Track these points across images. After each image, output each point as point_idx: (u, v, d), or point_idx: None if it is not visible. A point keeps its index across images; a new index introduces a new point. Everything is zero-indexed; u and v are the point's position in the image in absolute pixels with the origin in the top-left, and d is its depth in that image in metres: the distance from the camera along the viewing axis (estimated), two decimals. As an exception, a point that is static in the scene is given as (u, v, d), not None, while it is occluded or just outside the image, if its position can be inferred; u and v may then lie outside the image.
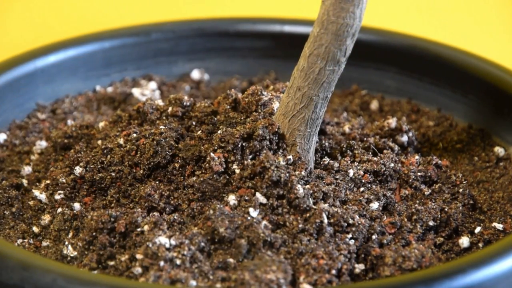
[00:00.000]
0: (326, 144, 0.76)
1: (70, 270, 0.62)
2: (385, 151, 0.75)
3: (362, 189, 0.72)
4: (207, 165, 0.70)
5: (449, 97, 0.88)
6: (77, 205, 0.72)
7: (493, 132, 0.83)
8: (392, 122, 0.80)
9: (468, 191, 0.75)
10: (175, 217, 0.69)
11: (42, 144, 0.81)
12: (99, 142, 0.76)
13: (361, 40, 0.72)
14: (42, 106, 0.87)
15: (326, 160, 0.74)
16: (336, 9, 0.67)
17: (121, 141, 0.74)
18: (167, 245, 0.65)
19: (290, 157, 0.71)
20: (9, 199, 0.75)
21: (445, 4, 1.20)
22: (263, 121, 0.71)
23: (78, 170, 0.74)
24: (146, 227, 0.67)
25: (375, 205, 0.71)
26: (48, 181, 0.75)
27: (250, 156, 0.70)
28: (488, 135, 0.84)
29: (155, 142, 0.73)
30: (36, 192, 0.74)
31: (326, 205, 0.69)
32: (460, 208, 0.73)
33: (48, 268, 0.61)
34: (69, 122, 0.83)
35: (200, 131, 0.74)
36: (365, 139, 0.77)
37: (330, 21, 0.67)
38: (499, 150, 0.81)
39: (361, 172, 0.73)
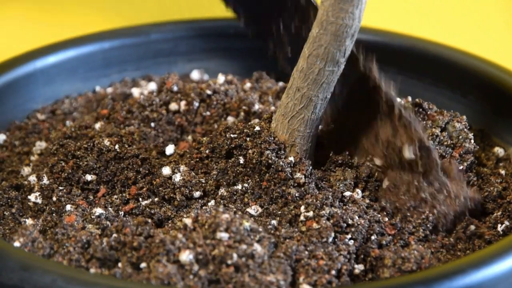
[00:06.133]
0: None
1: (69, 271, 0.62)
2: None
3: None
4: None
5: (448, 97, 0.88)
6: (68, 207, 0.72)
7: (493, 133, 0.83)
8: None
9: None
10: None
11: (42, 145, 0.81)
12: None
13: (361, 40, 0.72)
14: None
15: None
16: (335, 9, 0.67)
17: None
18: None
19: (292, 158, 0.70)
20: (9, 200, 0.75)
21: (445, 4, 1.20)
22: (259, 123, 0.71)
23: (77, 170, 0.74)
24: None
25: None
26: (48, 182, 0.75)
27: (253, 160, 0.70)
28: (488, 136, 0.83)
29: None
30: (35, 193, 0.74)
31: (326, 205, 0.69)
32: None
33: (47, 269, 0.61)
34: (68, 123, 0.83)
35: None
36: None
37: (329, 21, 0.67)
38: (499, 151, 0.81)
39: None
